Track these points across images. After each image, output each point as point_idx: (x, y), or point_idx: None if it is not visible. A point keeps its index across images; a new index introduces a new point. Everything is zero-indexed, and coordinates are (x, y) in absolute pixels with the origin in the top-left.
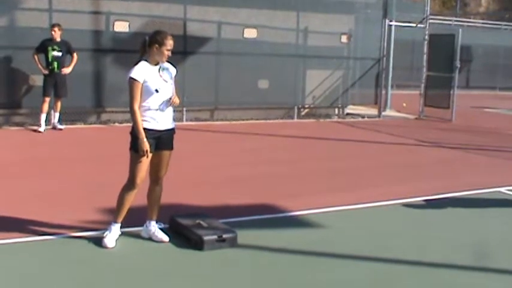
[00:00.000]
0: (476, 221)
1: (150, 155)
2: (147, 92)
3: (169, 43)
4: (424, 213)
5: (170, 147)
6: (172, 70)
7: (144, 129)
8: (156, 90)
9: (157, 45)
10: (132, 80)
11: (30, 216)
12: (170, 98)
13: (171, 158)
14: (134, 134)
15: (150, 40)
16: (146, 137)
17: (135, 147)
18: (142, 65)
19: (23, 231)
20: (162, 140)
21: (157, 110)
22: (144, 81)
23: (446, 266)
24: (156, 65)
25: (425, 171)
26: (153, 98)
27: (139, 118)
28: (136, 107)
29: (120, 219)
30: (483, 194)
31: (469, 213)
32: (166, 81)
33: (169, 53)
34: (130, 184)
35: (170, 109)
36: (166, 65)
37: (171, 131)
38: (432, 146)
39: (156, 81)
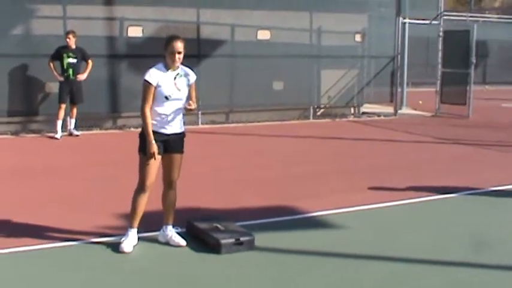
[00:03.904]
0: (497, 217)
1: (158, 157)
2: (158, 97)
3: (176, 45)
4: (443, 211)
5: (180, 150)
6: (192, 77)
7: (152, 131)
8: (167, 98)
9: (165, 48)
10: (146, 83)
11: (48, 223)
12: (182, 106)
13: (186, 161)
14: (143, 136)
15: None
16: (154, 139)
17: (144, 149)
18: (158, 69)
19: (41, 237)
20: (170, 143)
21: (165, 116)
22: (157, 86)
23: (464, 264)
24: (173, 70)
25: (443, 168)
26: (163, 104)
27: (149, 120)
28: (147, 109)
29: (136, 223)
30: (503, 191)
31: (489, 209)
32: (180, 90)
33: (179, 56)
34: (140, 187)
35: (179, 115)
36: (186, 71)
37: (180, 135)
38: (450, 143)
39: (169, 87)
